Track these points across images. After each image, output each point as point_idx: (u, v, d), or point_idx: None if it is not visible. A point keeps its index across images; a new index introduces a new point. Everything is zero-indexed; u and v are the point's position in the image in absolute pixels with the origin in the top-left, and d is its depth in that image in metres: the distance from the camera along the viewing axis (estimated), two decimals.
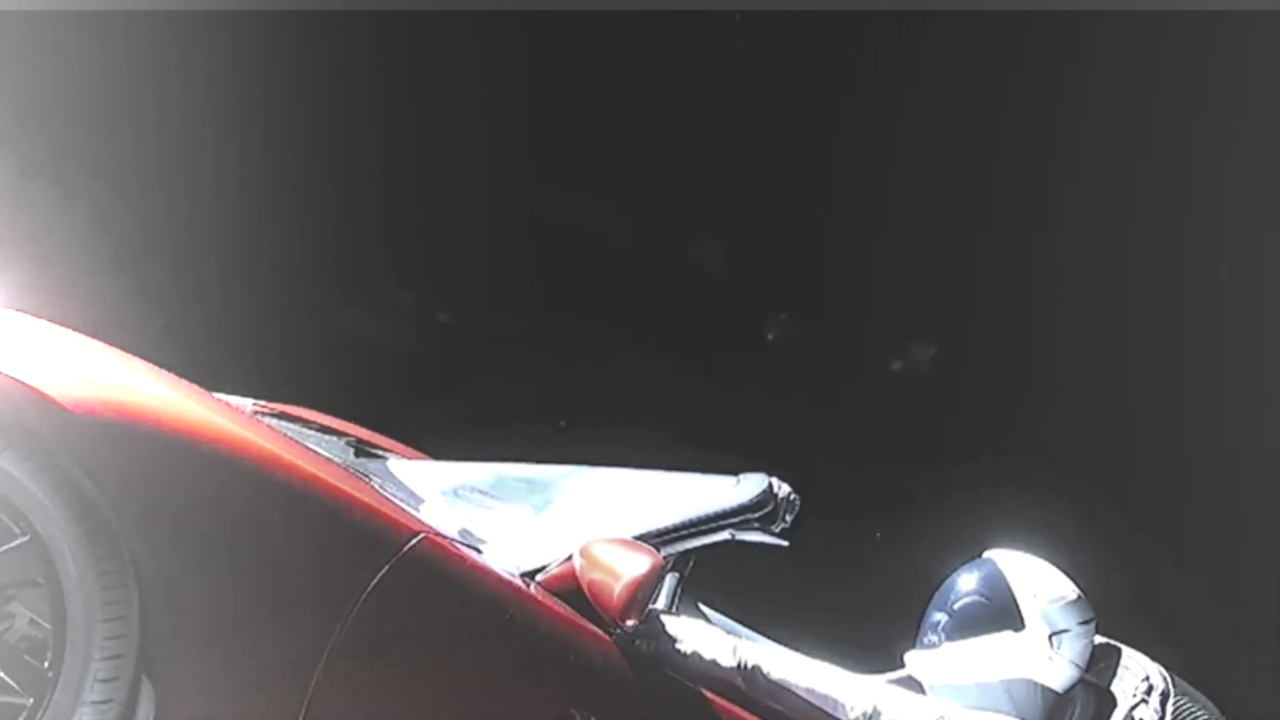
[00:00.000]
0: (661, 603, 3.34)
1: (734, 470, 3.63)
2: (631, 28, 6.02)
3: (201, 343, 5.18)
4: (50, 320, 3.42)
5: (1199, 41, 5.77)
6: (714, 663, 3.26)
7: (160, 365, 3.31)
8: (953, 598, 3.54)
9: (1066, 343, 6.04)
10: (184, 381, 3.27)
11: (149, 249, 5.86)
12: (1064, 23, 5.85)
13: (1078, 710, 3.47)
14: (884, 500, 5.82)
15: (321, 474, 3.09)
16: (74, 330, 3.37)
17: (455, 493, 3.60)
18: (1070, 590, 3.54)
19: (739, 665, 3.27)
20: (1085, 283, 6.05)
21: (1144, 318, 6.00)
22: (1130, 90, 6.00)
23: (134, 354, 3.31)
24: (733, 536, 3.45)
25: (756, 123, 6.26)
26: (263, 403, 4.06)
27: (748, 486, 3.52)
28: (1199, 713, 3.48)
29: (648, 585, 3.18)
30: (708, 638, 3.30)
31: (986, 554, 3.63)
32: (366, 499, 3.13)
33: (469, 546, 3.23)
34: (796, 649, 3.51)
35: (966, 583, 3.55)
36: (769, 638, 3.76)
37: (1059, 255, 6.06)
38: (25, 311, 3.48)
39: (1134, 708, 3.42)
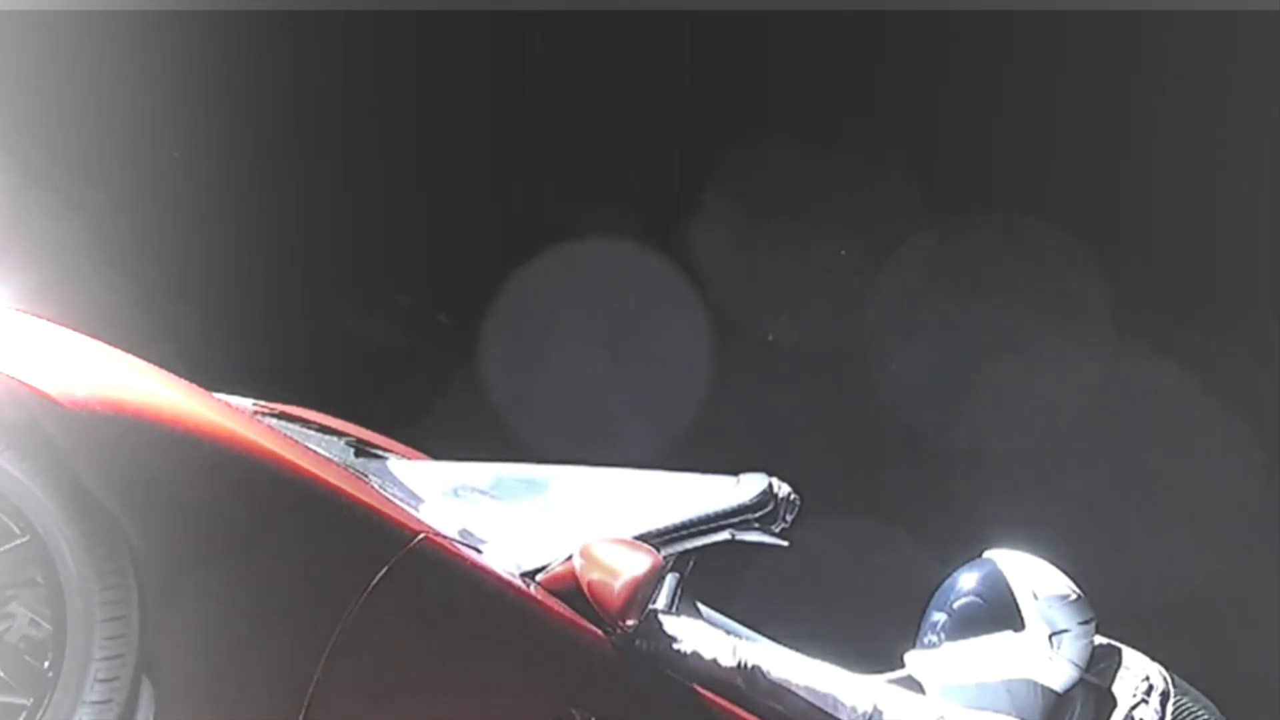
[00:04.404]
0: (661, 603, 3.33)
1: (734, 470, 3.63)
2: (630, 28, 6.03)
3: (201, 343, 5.18)
4: (51, 320, 3.42)
5: (1199, 41, 5.78)
6: (714, 663, 3.26)
7: (160, 365, 3.31)
8: (953, 598, 3.54)
9: (1066, 341, 6.04)
10: (184, 381, 3.26)
11: (150, 250, 5.86)
12: (1064, 22, 5.86)
13: (1078, 710, 3.47)
14: (884, 500, 5.82)
15: (321, 474, 3.09)
16: (74, 330, 3.37)
17: (455, 493, 3.60)
18: (1070, 590, 3.54)
19: (739, 665, 3.26)
20: (1084, 281, 6.05)
21: (1144, 317, 6.00)
22: (1130, 91, 6.00)
23: (134, 354, 3.31)
24: (733, 536, 3.44)
25: (755, 122, 6.26)
26: (263, 403, 4.05)
27: (748, 486, 3.51)
28: (1199, 712, 3.48)
29: (648, 585, 3.17)
30: (708, 638, 3.29)
31: (986, 554, 3.63)
32: (366, 499, 3.12)
33: (469, 546, 3.22)
34: (796, 649, 3.51)
35: (966, 582, 3.55)
36: (769, 638, 3.76)
37: (1059, 253, 6.06)
38: (26, 312, 3.48)
39: (1134, 708, 3.41)
